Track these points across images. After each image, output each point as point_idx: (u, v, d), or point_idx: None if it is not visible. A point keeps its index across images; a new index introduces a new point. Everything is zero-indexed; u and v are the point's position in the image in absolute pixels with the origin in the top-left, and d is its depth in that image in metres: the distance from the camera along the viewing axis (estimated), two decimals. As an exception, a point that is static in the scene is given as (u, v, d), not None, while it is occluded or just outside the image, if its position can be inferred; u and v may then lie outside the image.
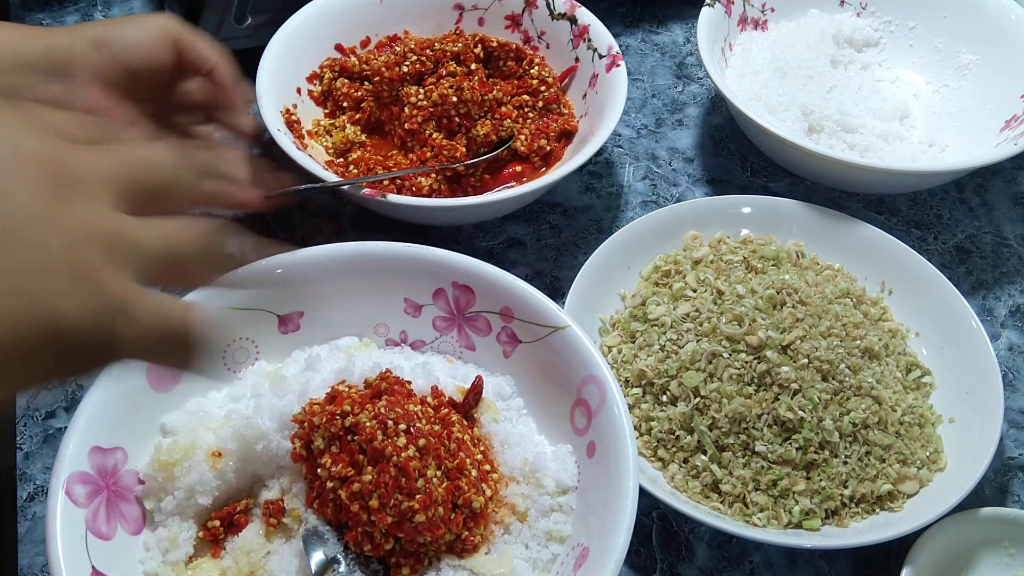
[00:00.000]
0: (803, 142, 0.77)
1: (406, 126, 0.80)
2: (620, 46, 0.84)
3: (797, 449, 0.62)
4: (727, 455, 0.63)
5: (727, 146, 0.90)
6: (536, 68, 0.85)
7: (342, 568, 0.53)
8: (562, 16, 0.87)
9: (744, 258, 0.75)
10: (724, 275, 0.73)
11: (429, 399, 0.59)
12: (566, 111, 0.86)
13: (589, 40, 0.85)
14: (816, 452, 0.63)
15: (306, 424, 0.55)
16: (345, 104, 0.84)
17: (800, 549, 0.63)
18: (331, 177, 0.73)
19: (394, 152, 0.82)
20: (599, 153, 0.86)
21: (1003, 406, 0.65)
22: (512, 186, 0.80)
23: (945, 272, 0.81)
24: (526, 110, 0.83)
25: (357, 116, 0.84)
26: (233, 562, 0.55)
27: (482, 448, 0.59)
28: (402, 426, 0.54)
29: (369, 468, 0.52)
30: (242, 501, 0.57)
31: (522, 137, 0.81)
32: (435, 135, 0.80)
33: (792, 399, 0.63)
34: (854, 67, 0.93)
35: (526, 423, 0.62)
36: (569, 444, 0.59)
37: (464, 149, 0.79)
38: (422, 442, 0.53)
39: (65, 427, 0.66)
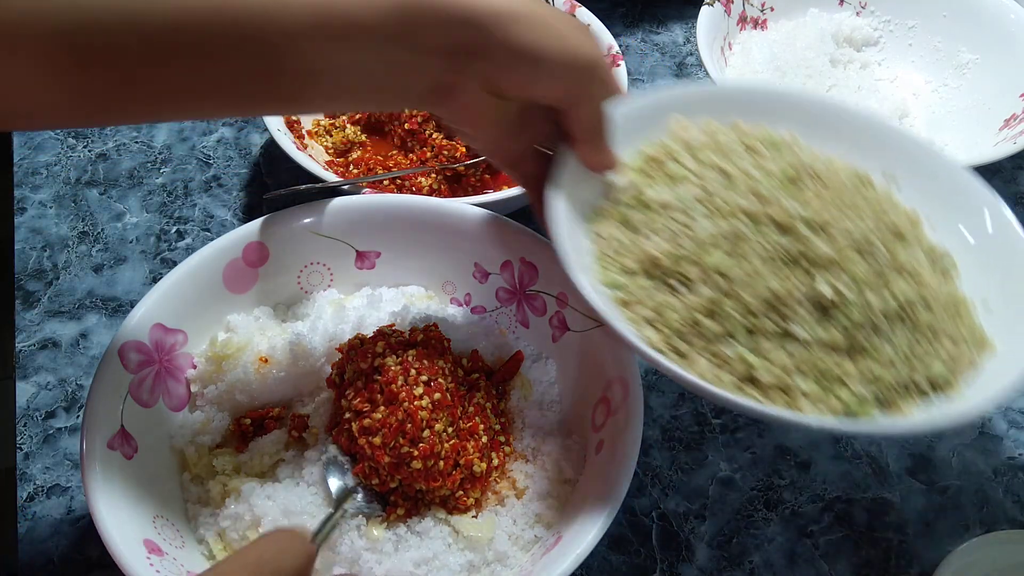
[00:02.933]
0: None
1: (406, 126, 0.81)
2: (620, 46, 0.84)
3: (843, 330, 0.53)
4: (762, 341, 0.53)
5: (727, 146, 0.90)
6: (536, 68, 0.85)
7: (359, 498, 0.56)
8: (562, 16, 0.87)
9: (741, 142, 0.63)
10: (725, 157, 0.61)
11: (465, 362, 0.62)
12: (566, 111, 0.86)
13: (589, 40, 0.85)
14: (863, 334, 0.54)
15: (346, 354, 0.60)
16: (345, 104, 0.84)
17: (859, 436, 0.57)
18: (331, 177, 0.73)
19: (394, 152, 0.82)
20: (599, 153, 0.86)
21: None
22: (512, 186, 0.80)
23: (945, 271, 0.81)
24: (526, 110, 0.83)
25: (357, 116, 0.84)
26: (249, 459, 0.59)
27: (503, 420, 0.61)
28: (423, 377, 0.57)
29: (382, 408, 0.56)
30: (276, 409, 0.61)
31: (522, 137, 0.81)
32: (435, 135, 0.80)
33: (833, 280, 0.54)
34: (853, 66, 0.93)
35: (554, 408, 0.64)
36: (583, 438, 0.61)
37: (464, 149, 0.79)
38: (437, 396, 0.57)
39: (65, 427, 0.67)
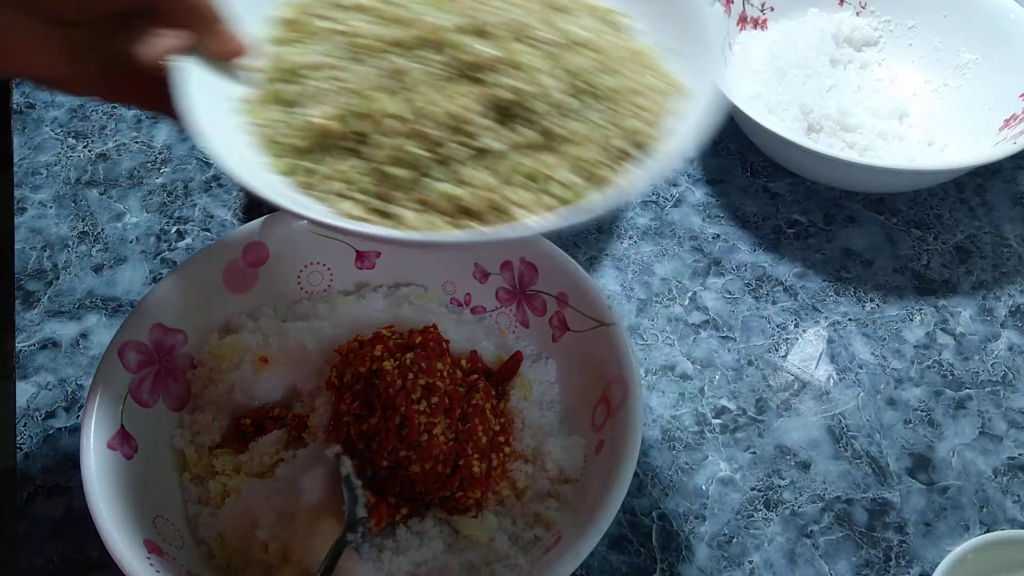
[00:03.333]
0: (802, 141, 0.77)
1: (406, 126, 0.80)
2: (620, 46, 0.84)
3: (533, 125, 0.50)
4: (460, 168, 0.49)
5: (727, 146, 0.90)
6: (536, 68, 0.85)
7: (361, 531, 0.55)
8: (562, 16, 0.87)
9: None
10: None
11: (464, 362, 0.62)
12: (566, 111, 0.85)
13: (589, 40, 0.85)
14: (554, 122, 0.50)
15: (345, 357, 0.60)
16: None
17: (585, 221, 0.49)
18: (331, 177, 0.73)
19: (394, 152, 0.82)
20: (599, 153, 0.86)
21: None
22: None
23: (945, 272, 0.81)
24: (526, 110, 0.83)
25: (357, 116, 0.84)
26: (249, 459, 0.59)
27: (502, 420, 0.61)
28: (421, 381, 0.57)
29: (379, 413, 0.56)
30: (276, 409, 0.61)
31: (522, 137, 0.81)
32: (435, 135, 0.80)
33: (505, 78, 0.50)
34: (853, 66, 0.93)
35: (554, 408, 0.64)
36: (584, 438, 0.61)
37: (464, 149, 0.79)
38: (435, 399, 0.57)
39: (65, 427, 0.67)
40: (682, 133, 0.50)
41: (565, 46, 0.52)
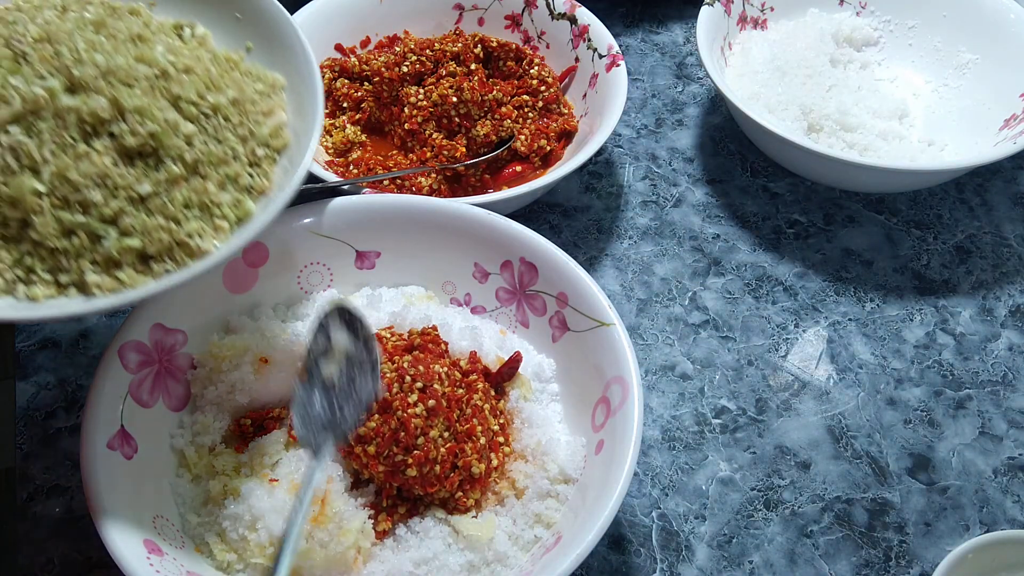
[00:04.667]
0: (802, 141, 0.77)
1: (406, 126, 0.81)
2: (620, 46, 0.84)
3: (174, 163, 0.51)
4: (126, 218, 0.50)
5: (727, 146, 0.90)
6: (536, 68, 0.85)
7: (318, 475, 0.54)
8: (562, 16, 0.87)
9: None
10: None
11: (464, 363, 0.62)
12: (566, 111, 0.86)
13: (589, 40, 0.85)
14: (194, 151, 0.52)
15: None
16: (345, 104, 0.84)
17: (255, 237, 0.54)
18: (331, 177, 0.73)
19: (394, 152, 0.82)
20: (599, 153, 0.86)
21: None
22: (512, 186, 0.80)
23: (945, 272, 0.81)
24: (526, 110, 0.84)
25: (357, 116, 0.84)
26: (249, 459, 0.59)
27: (501, 420, 0.61)
28: (418, 384, 0.57)
29: (376, 416, 0.56)
30: (276, 409, 0.61)
31: (522, 137, 0.81)
32: (435, 135, 0.80)
33: (130, 124, 0.50)
34: (853, 66, 0.93)
35: (554, 408, 0.64)
36: (584, 438, 0.61)
37: (464, 149, 0.79)
38: (432, 403, 0.57)
39: (65, 427, 0.67)
40: (307, 126, 0.56)
41: (165, 76, 0.53)
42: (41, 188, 0.48)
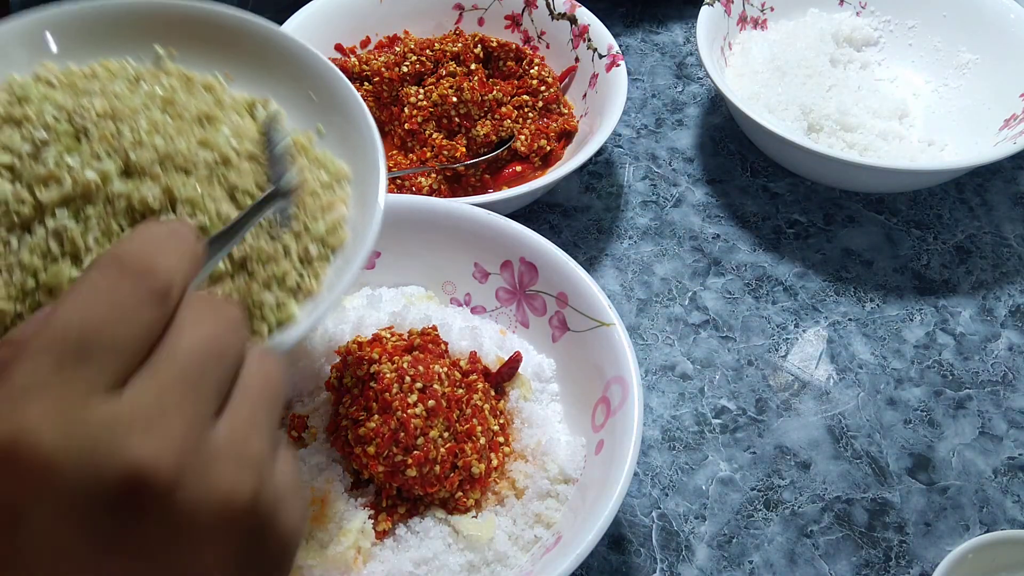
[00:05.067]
0: (802, 141, 0.77)
1: (406, 126, 0.81)
2: (620, 46, 0.84)
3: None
4: None
5: (727, 146, 0.90)
6: (536, 68, 0.85)
7: (289, 208, 0.51)
8: (562, 16, 0.87)
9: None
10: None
11: (464, 363, 0.62)
12: (566, 111, 0.86)
13: (589, 40, 0.85)
14: (243, 248, 0.49)
15: (343, 359, 0.60)
16: (345, 104, 0.84)
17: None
18: (331, 177, 0.73)
19: (394, 152, 0.82)
20: (599, 153, 0.86)
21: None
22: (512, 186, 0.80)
23: (945, 272, 0.81)
24: (526, 110, 0.84)
25: (357, 116, 0.84)
26: None
27: (501, 420, 0.61)
28: (418, 384, 0.57)
29: (376, 416, 0.56)
30: None
31: (522, 137, 0.81)
32: (435, 135, 0.80)
33: (179, 215, 0.48)
34: (853, 66, 0.93)
35: (554, 408, 0.64)
36: (584, 438, 0.61)
37: (464, 149, 0.79)
38: (432, 403, 0.56)
39: (65, 427, 0.67)
40: (365, 228, 0.52)
41: (226, 163, 0.50)
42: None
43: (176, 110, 0.51)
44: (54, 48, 0.56)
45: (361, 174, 0.55)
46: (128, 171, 0.47)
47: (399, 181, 0.78)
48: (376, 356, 0.58)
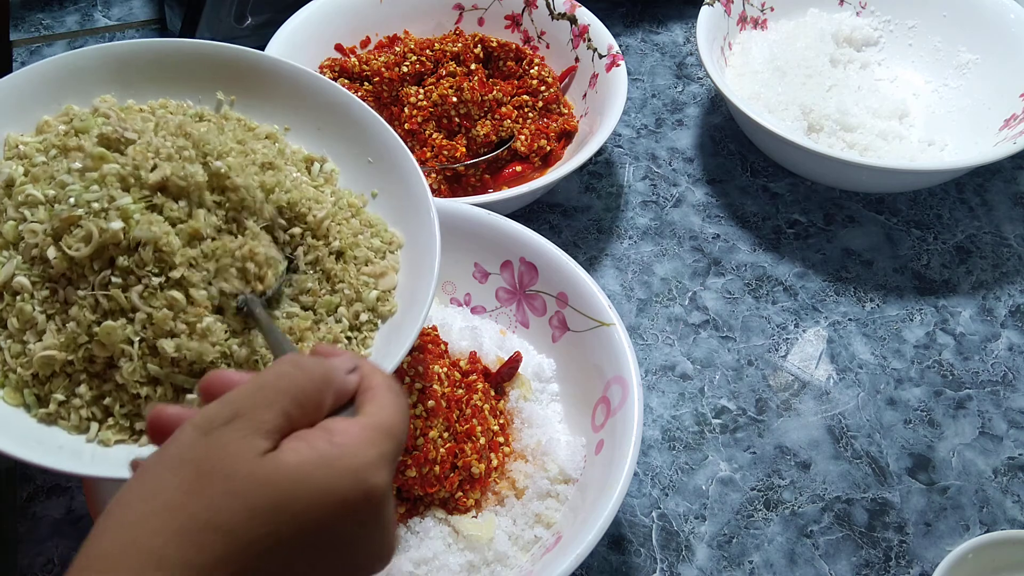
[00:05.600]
0: (802, 141, 0.77)
1: (406, 126, 0.81)
2: (620, 46, 0.84)
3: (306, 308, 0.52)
4: (193, 382, 0.48)
5: (727, 146, 0.90)
6: (536, 68, 0.85)
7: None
8: (562, 16, 0.87)
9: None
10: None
11: (464, 363, 0.62)
12: (566, 111, 0.86)
13: (589, 40, 0.85)
14: (313, 301, 0.53)
15: None
16: (345, 104, 0.84)
17: None
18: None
19: (394, 152, 0.82)
20: (599, 153, 0.86)
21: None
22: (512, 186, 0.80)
23: (945, 272, 0.81)
24: (526, 110, 0.84)
25: (357, 116, 0.84)
26: None
27: (501, 421, 0.61)
28: (417, 385, 0.57)
29: None
30: None
31: (522, 137, 0.81)
32: (435, 135, 0.80)
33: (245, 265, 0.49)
34: (853, 66, 0.93)
35: (554, 408, 0.64)
36: (584, 437, 0.61)
37: (464, 149, 0.79)
38: (431, 403, 0.57)
39: (65, 427, 0.67)
40: (420, 295, 0.52)
41: (298, 219, 0.53)
42: (136, 337, 0.47)
43: (245, 150, 0.53)
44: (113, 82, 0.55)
45: (413, 239, 0.56)
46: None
47: (399, 181, 0.78)
48: None
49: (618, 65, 0.82)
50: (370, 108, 0.59)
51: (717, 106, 0.94)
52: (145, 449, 0.47)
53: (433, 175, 0.79)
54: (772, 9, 0.94)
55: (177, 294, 0.47)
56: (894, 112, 0.88)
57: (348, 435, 0.34)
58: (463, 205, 0.67)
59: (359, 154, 0.59)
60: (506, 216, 0.66)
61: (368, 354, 0.52)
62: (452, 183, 0.80)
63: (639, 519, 0.65)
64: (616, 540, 0.64)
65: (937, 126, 0.89)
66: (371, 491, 0.33)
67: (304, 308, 0.53)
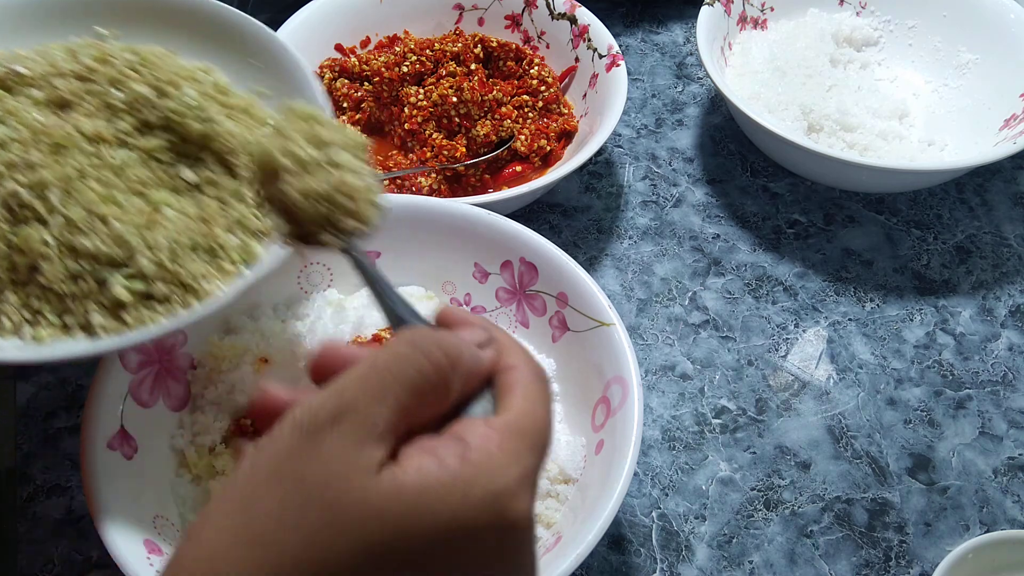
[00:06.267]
0: (802, 141, 0.77)
1: (406, 126, 0.81)
2: (620, 46, 0.84)
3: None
4: (112, 272, 0.49)
5: (727, 146, 0.90)
6: (536, 68, 0.85)
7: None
8: (562, 16, 0.87)
9: None
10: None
11: None
12: (566, 111, 0.86)
13: (589, 40, 0.85)
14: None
15: None
16: (345, 104, 0.84)
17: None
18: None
19: (394, 152, 0.82)
20: (599, 153, 0.86)
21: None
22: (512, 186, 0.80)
23: (945, 272, 0.81)
24: (526, 110, 0.84)
25: (357, 116, 0.84)
26: None
27: None
28: None
29: None
30: None
31: (522, 137, 0.81)
32: (435, 135, 0.80)
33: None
34: (853, 66, 0.93)
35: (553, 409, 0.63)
36: (584, 438, 0.61)
37: (464, 149, 0.79)
38: None
39: (65, 427, 0.67)
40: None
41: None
42: (52, 238, 0.49)
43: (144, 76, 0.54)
44: None
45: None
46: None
47: (399, 181, 0.78)
48: None
49: (618, 65, 0.82)
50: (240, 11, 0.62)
51: (717, 106, 0.94)
52: (79, 343, 0.48)
53: (433, 175, 0.79)
54: (772, 9, 0.94)
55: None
56: (894, 112, 0.88)
57: (486, 449, 0.28)
58: (463, 205, 0.67)
59: (242, 59, 0.62)
60: (506, 216, 0.66)
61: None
62: (452, 183, 0.80)
63: (639, 519, 0.65)
64: (616, 540, 0.64)
65: (937, 126, 0.89)
66: (515, 523, 0.28)
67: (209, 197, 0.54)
